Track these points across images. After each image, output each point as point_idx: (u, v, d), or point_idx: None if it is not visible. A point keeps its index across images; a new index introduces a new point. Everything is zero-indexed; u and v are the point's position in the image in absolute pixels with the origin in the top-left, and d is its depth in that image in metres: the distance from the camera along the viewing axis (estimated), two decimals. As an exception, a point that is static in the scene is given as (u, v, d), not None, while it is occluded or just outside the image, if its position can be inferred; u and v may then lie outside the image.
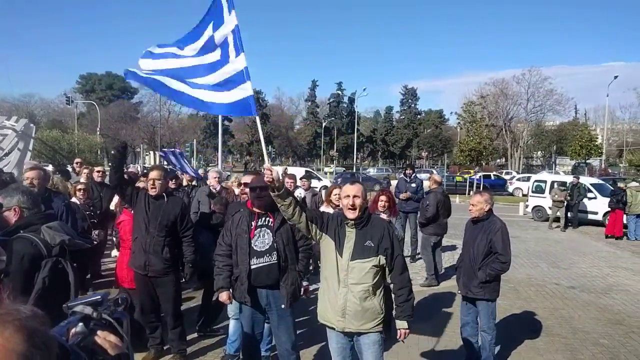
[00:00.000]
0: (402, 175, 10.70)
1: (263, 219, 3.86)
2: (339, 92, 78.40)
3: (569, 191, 15.98)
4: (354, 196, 3.20)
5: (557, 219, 16.16)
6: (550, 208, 17.38)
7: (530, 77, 57.43)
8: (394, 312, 3.35)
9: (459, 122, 56.90)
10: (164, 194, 4.62)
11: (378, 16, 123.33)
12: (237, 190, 7.19)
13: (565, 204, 15.86)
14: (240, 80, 3.52)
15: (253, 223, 3.84)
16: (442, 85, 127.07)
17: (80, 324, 1.28)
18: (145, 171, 12.58)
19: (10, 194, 2.87)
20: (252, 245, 3.81)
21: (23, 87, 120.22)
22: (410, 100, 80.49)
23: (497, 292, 4.68)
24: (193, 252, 4.69)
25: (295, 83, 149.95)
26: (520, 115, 60.87)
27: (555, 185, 16.68)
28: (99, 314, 1.33)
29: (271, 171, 3.08)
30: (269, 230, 3.83)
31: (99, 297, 1.37)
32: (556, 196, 15.92)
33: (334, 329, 3.34)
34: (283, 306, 3.78)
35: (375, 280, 3.21)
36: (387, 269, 3.26)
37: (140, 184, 5.85)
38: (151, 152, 61.67)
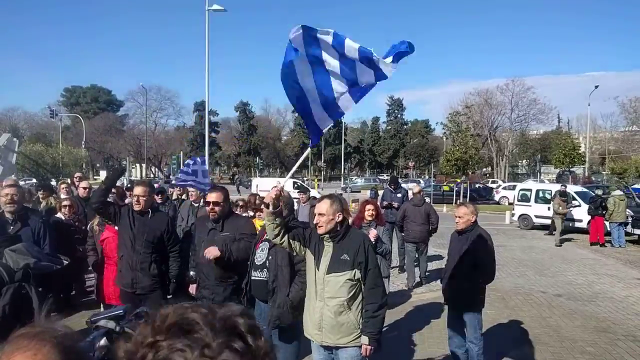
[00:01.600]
0: (387, 187, 10.85)
1: None
2: (326, 103, 78.68)
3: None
4: (319, 213, 3.26)
5: (547, 228, 15.96)
6: (536, 217, 17.55)
7: (514, 87, 58.44)
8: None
9: (444, 132, 57.33)
10: (149, 209, 4.57)
11: (363, 27, 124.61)
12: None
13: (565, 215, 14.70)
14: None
15: (264, 235, 3.87)
16: (428, 95, 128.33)
17: (104, 338, 1.28)
18: (129, 185, 12.46)
19: None
20: (255, 257, 3.87)
21: (6, 100, 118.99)
22: (396, 111, 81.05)
23: (482, 302, 4.70)
24: (178, 268, 4.65)
25: (283, 94, 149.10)
26: (505, 124, 61.81)
27: (557, 196, 15.16)
28: (122, 328, 1.34)
29: (281, 191, 3.21)
30: (268, 245, 3.82)
31: (121, 311, 1.38)
32: (560, 208, 14.61)
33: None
34: (264, 327, 3.66)
35: (350, 295, 3.21)
36: (361, 283, 3.26)
37: (128, 200, 5.78)
38: (137, 165, 61.10)
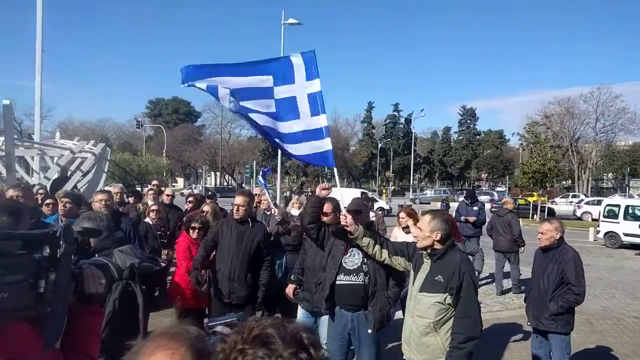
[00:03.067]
0: (462, 199, 10.58)
1: None
2: (395, 113, 78.08)
3: None
4: (418, 228, 3.26)
5: (638, 248, 14.88)
6: (625, 235, 16.21)
7: (600, 95, 54.45)
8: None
9: (521, 143, 54.68)
10: (248, 218, 4.68)
11: (435, 37, 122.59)
12: (296, 212, 7.26)
13: None
14: (319, 136, 3.76)
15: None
16: (502, 104, 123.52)
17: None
18: (209, 193, 13.05)
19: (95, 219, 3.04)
20: (343, 261, 3.80)
21: (99, 112, 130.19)
22: (469, 121, 78.73)
23: (571, 325, 4.43)
24: (269, 277, 4.75)
25: (352, 105, 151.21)
26: (589, 135, 57.69)
27: None
28: None
29: (346, 217, 3.35)
30: (360, 251, 3.77)
31: (235, 318, 1.49)
32: None
33: None
34: (370, 331, 3.69)
35: (438, 318, 3.09)
36: (453, 308, 3.11)
37: (206, 207, 6.02)
38: (212, 173, 63.87)
